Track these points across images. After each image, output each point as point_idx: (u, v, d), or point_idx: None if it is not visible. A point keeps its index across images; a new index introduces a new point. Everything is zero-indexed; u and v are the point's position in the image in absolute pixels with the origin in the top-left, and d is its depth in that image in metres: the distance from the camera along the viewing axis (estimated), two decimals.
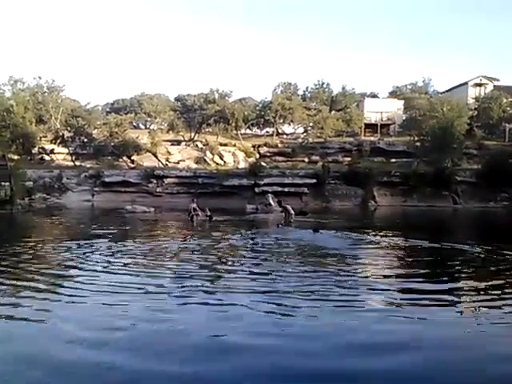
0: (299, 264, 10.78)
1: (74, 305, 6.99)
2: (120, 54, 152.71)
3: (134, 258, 11.30)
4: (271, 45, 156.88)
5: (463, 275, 10.39)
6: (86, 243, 13.59)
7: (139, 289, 7.87)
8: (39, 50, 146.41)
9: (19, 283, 8.41)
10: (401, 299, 7.69)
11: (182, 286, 8.08)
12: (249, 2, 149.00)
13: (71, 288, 7.98)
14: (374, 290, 8.30)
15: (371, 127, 67.06)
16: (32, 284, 8.32)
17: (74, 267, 9.98)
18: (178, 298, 7.38)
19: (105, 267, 9.94)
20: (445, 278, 9.61)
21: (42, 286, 8.13)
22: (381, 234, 17.82)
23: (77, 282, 8.50)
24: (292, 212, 21.80)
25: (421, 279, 9.18)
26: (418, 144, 51.29)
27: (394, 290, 8.38)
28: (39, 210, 32.04)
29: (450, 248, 13.94)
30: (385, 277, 9.62)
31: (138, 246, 13.60)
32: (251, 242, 15.41)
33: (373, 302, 7.51)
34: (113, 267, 9.92)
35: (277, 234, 16.90)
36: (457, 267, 11.13)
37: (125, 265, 10.23)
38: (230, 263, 11.05)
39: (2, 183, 31.87)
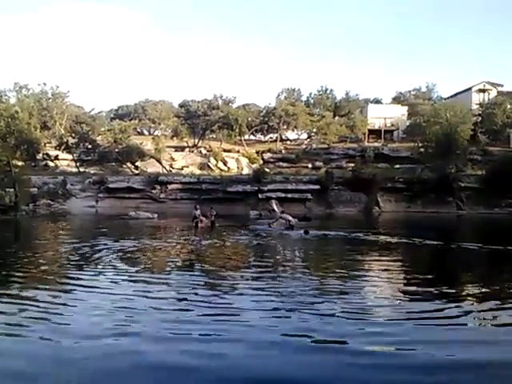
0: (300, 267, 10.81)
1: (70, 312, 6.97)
2: (124, 61, 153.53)
3: (138, 265, 11.26)
4: (274, 51, 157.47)
5: None
6: (88, 249, 13.62)
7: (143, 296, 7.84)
8: (44, 57, 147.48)
9: (23, 285, 8.43)
10: None
11: (182, 299, 7.71)
12: (251, 8, 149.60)
13: (73, 292, 7.99)
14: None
15: (375, 133, 67.06)
16: (35, 285, 8.33)
17: (76, 272, 9.97)
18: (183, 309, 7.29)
19: (106, 273, 9.92)
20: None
21: (44, 288, 8.11)
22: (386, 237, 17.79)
23: (77, 286, 8.48)
24: (280, 217, 21.86)
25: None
26: (421, 150, 51.18)
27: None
28: (43, 215, 32.15)
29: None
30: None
31: (141, 251, 13.59)
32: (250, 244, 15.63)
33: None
34: (114, 275, 9.81)
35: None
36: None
37: (127, 272, 10.21)
38: (228, 267, 11.10)
39: (7, 189, 31.91)
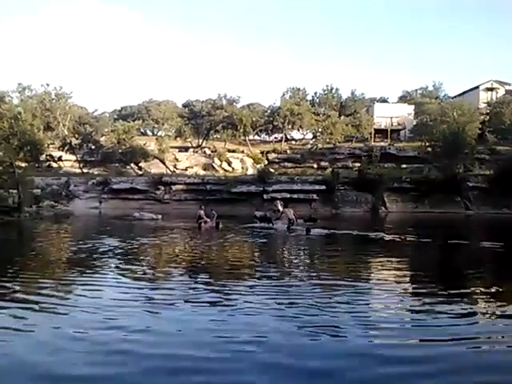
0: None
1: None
2: (128, 61, 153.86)
3: (142, 266, 10.92)
4: (279, 50, 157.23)
5: None
6: (90, 251, 13.28)
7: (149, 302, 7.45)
8: (47, 57, 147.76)
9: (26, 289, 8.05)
10: None
11: (179, 318, 6.84)
12: (255, 8, 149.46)
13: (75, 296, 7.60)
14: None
15: (381, 132, 66.56)
16: (39, 292, 7.95)
17: (75, 274, 9.67)
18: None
19: (105, 276, 9.58)
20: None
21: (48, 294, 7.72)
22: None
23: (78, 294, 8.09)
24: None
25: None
26: (429, 149, 50.64)
27: None
28: (47, 217, 31.83)
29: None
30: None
31: (144, 253, 13.28)
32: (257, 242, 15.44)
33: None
34: (113, 278, 9.44)
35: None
36: None
37: (126, 276, 9.80)
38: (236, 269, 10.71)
39: (10, 190, 31.62)
